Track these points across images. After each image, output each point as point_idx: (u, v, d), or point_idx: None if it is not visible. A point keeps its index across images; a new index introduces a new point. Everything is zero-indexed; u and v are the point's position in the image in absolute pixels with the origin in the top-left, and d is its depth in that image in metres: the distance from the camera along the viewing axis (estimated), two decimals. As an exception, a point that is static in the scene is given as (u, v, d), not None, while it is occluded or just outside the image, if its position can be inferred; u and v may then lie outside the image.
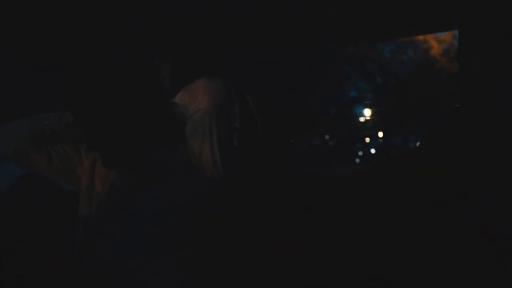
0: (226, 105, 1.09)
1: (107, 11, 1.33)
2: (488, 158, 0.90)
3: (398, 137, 15.22)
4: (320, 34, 1.58)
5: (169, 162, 1.07)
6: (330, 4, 1.31)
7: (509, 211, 0.85)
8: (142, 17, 1.38)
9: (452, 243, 0.88)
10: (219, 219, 1.05)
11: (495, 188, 0.87)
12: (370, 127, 15.53)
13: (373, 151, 15.62)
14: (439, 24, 1.47)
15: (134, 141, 1.03)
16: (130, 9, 1.32)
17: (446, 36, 12.11)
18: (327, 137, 15.25)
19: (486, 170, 0.89)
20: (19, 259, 1.41)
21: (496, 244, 0.85)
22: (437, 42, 12.48)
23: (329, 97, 14.21)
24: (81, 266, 1.05)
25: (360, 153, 15.39)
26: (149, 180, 1.05)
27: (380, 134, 15.80)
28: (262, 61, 1.79)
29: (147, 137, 1.05)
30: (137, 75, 1.03)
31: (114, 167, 1.05)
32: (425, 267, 0.90)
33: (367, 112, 15.32)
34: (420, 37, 12.48)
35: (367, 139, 16.17)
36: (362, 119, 15.80)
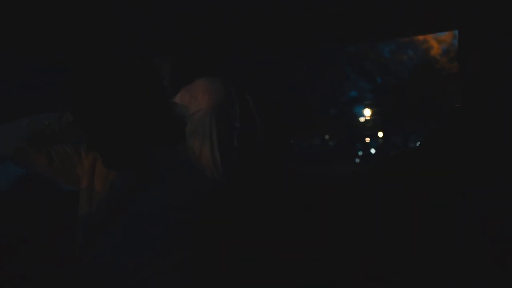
0: (226, 105, 1.08)
1: (107, 11, 1.33)
2: (488, 158, 0.90)
3: (398, 137, 15.23)
4: (320, 34, 1.58)
5: (169, 162, 1.07)
6: (330, 4, 1.31)
7: (509, 211, 0.85)
8: (142, 17, 1.38)
9: (452, 243, 0.88)
10: (219, 219, 1.05)
11: (495, 188, 0.87)
12: (370, 127, 15.55)
13: (373, 151, 15.64)
14: (439, 24, 1.47)
15: (134, 141, 1.03)
16: (130, 9, 1.32)
17: (446, 36, 12.16)
18: (327, 137, 15.27)
19: (486, 170, 0.89)
20: (19, 259, 1.41)
21: (496, 244, 0.85)
22: (437, 42, 12.53)
23: (329, 97, 14.23)
24: (81, 266, 1.05)
25: (360, 153, 15.40)
26: (149, 180, 1.05)
27: (380, 134, 15.83)
28: (262, 61, 1.79)
29: (147, 137, 1.05)
30: (137, 75, 1.03)
31: (114, 167, 1.05)
32: (425, 267, 0.90)
33: (367, 112, 15.34)
34: (420, 37, 12.53)
35: (367, 139, 16.20)
36: (362, 119, 15.81)
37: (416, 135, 13.69)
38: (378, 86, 14.48)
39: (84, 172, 1.13)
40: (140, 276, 0.98)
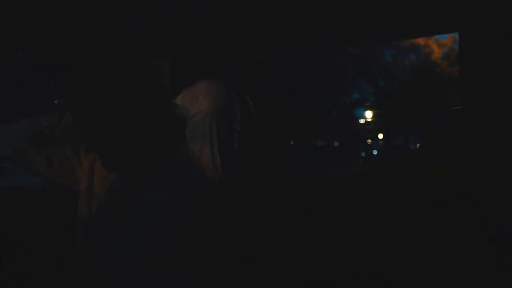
0: (227, 107, 1.09)
1: (107, 11, 1.33)
2: (488, 159, 0.90)
3: (398, 139, 15.31)
4: (320, 34, 1.58)
5: (169, 162, 1.06)
6: (330, 4, 1.31)
7: (509, 211, 0.85)
8: (142, 17, 1.38)
9: (452, 243, 0.88)
10: (219, 219, 1.05)
11: (495, 188, 0.87)
12: (371, 128, 15.68)
13: (375, 152, 15.77)
14: (440, 26, 1.46)
15: (134, 141, 1.03)
16: (130, 9, 1.32)
17: (447, 40, 12.40)
18: (328, 139, 15.40)
19: (486, 170, 0.89)
20: (19, 259, 1.41)
21: (496, 244, 0.85)
22: (438, 47, 12.75)
23: (331, 98, 14.30)
24: (81, 266, 1.05)
25: (363, 154, 15.49)
26: (149, 180, 1.05)
27: (380, 136, 15.96)
28: (262, 61, 1.79)
29: (147, 137, 1.05)
30: (137, 75, 1.03)
31: (114, 168, 1.05)
32: (425, 267, 0.90)
33: (369, 114, 15.48)
34: (422, 42, 12.74)
35: (369, 141, 16.34)
36: (362, 121, 15.93)
37: (416, 135, 13.75)
38: (381, 89, 14.59)
39: (83, 173, 1.13)
40: (140, 276, 0.98)
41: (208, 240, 1.03)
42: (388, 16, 1.39)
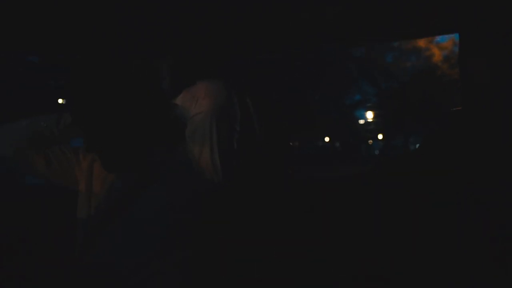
0: (227, 108, 1.09)
1: (107, 11, 1.33)
2: (488, 159, 0.90)
3: (398, 139, 15.43)
4: (320, 34, 1.58)
5: (169, 162, 1.06)
6: (330, 4, 1.31)
7: (509, 211, 0.85)
8: (142, 17, 1.38)
9: (452, 243, 0.88)
10: (219, 219, 1.05)
11: (495, 188, 0.87)
12: (372, 129, 15.84)
13: (376, 152, 15.93)
14: (440, 26, 1.46)
15: (134, 141, 1.03)
16: (130, 9, 1.32)
17: (447, 43, 12.66)
18: (327, 139, 15.57)
19: (486, 170, 0.89)
20: (19, 259, 1.41)
21: (496, 244, 0.85)
22: (438, 49, 12.96)
23: (331, 99, 14.41)
24: (81, 266, 1.05)
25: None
26: (149, 180, 1.05)
27: (380, 137, 16.13)
28: (262, 61, 1.79)
29: (147, 137, 1.05)
30: (137, 75, 1.03)
31: (114, 168, 1.05)
32: (425, 267, 0.90)
33: (370, 115, 15.65)
34: (423, 44, 13.03)
35: (370, 141, 16.52)
36: (362, 121, 16.09)
37: (416, 135, 13.81)
38: (382, 90, 14.73)
39: (82, 174, 1.13)
40: (140, 276, 0.98)
41: (208, 240, 1.03)
42: (388, 16, 1.39)
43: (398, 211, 0.96)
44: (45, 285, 1.31)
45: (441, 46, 12.90)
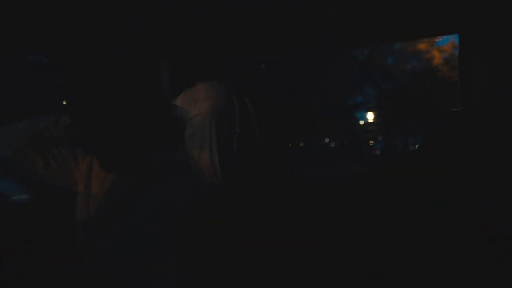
0: (227, 110, 1.09)
1: (107, 11, 1.33)
2: (488, 159, 0.90)
3: (398, 139, 15.57)
4: (320, 34, 1.58)
5: (169, 162, 1.06)
6: (330, 4, 1.31)
7: (509, 211, 0.85)
8: (142, 17, 1.38)
9: (452, 243, 0.88)
10: (219, 219, 1.05)
11: (495, 188, 0.87)
12: (373, 129, 16.05)
13: (378, 152, 16.13)
14: (440, 26, 1.46)
15: (134, 141, 1.03)
16: (130, 9, 1.32)
17: (447, 46, 12.76)
18: (327, 139, 15.78)
19: (486, 170, 0.89)
20: (19, 259, 1.41)
21: (496, 244, 0.85)
22: (438, 52, 13.20)
23: (332, 99, 14.55)
24: (81, 266, 1.05)
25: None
26: (149, 180, 1.05)
27: (379, 137, 16.33)
28: (262, 61, 1.79)
29: (147, 137, 1.05)
30: (137, 75, 1.03)
31: (113, 169, 1.05)
32: (425, 267, 0.90)
33: (371, 116, 15.87)
34: (423, 47, 13.13)
35: (371, 142, 16.75)
36: (361, 122, 16.29)
37: (416, 136, 13.89)
38: (383, 91, 14.93)
39: (80, 175, 1.13)
40: (140, 276, 0.98)
41: (208, 240, 1.03)
42: (388, 16, 1.39)
43: (398, 211, 0.96)
44: (45, 285, 1.31)
45: (441, 49, 13.17)
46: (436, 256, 0.89)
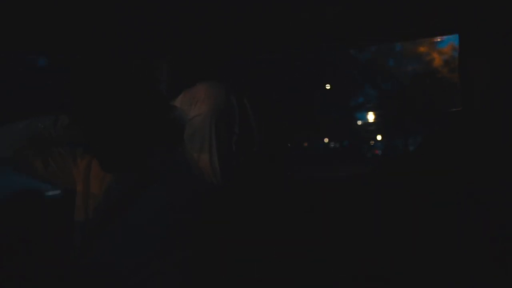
0: (226, 110, 1.09)
1: (107, 11, 1.33)
2: (488, 159, 0.90)
3: (398, 139, 15.69)
4: (320, 34, 1.58)
5: (169, 162, 1.07)
6: (330, 4, 1.31)
7: (509, 211, 0.85)
8: (142, 17, 1.38)
9: (452, 243, 0.88)
10: (219, 219, 1.06)
11: (495, 188, 0.87)
12: (373, 129, 16.22)
13: (380, 152, 16.27)
14: (440, 26, 1.46)
15: (134, 141, 1.03)
16: (130, 9, 1.32)
17: (447, 48, 13.19)
18: (326, 139, 15.95)
19: (486, 170, 0.89)
20: (19, 259, 1.41)
21: (496, 244, 0.85)
22: (438, 54, 13.49)
23: (339, 103, 14.70)
24: (81, 266, 1.05)
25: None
26: (149, 180, 1.05)
27: (379, 137, 16.50)
28: (262, 61, 1.79)
29: (147, 137, 1.05)
30: (137, 75, 1.03)
31: (113, 169, 1.05)
32: (425, 267, 0.90)
33: (371, 116, 16.03)
34: (424, 50, 13.51)
35: (372, 142, 16.91)
36: (360, 122, 16.45)
37: (416, 136, 13.96)
38: (384, 93, 15.09)
39: (79, 175, 1.13)
40: (140, 276, 0.98)
41: (208, 240, 1.03)
42: (388, 16, 1.39)
43: (398, 211, 0.96)
44: (45, 285, 1.31)
45: (441, 51, 13.54)
46: (436, 256, 0.89)
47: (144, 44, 1.55)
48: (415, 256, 0.92)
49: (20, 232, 1.48)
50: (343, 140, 16.43)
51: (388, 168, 1.10)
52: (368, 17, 1.40)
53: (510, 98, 0.89)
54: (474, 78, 0.94)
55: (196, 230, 1.02)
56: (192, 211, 1.03)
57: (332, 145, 16.27)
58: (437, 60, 13.59)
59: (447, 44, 13.10)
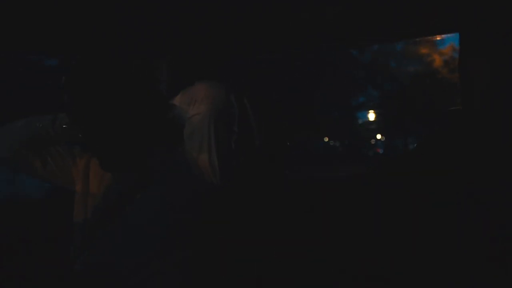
0: (225, 110, 1.09)
1: (107, 11, 1.33)
2: (488, 159, 0.90)
3: (398, 139, 15.76)
4: (320, 34, 1.58)
5: (169, 162, 1.07)
6: (330, 4, 1.31)
7: (509, 211, 0.85)
8: (142, 17, 1.38)
9: (452, 243, 0.88)
10: (219, 219, 1.06)
11: (495, 188, 0.87)
12: (374, 129, 16.32)
13: (381, 151, 16.39)
14: (440, 26, 1.46)
15: (134, 141, 1.03)
16: (130, 9, 1.32)
17: (447, 49, 13.31)
18: (326, 139, 16.05)
19: (486, 170, 0.89)
20: (19, 259, 1.41)
21: (496, 244, 0.85)
22: (438, 55, 13.57)
23: (333, 100, 14.72)
24: (81, 266, 1.05)
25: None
26: (149, 180, 1.05)
27: (378, 136, 16.60)
28: (262, 61, 1.79)
29: (147, 137, 1.05)
30: (137, 75, 1.03)
31: (113, 168, 1.05)
32: (425, 267, 0.90)
33: (372, 116, 16.15)
34: (424, 51, 13.65)
35: (372, 141, 17.03)
36: (367, 122, 16.55)
37: (416, 136, 13.99)
38: (385, 93, 15.19)
39: (78, 174, 1.13)
40: (140, 276, 0.98)
41: (208, 240, 1.03)
42: (388, 16, 1.39)
43: (398, 211, 0.96)
44: (45, 285, 1.31)
45: (441, 52, 13.66)
46: (436, 256, 0.89)
47: (144, 44, 1.55)
48: (415, 256, 0.92)
49: (20, 232, 1.48)
50: (342, 140, 16.52)
51: (388, 168, 1.10)
52: (368, 17, 1.40)
53: (510, 98, 0.89)
54: (474, 78, 0.94)
55: (196, 230, 1.02)
56: (192, 211, 1.03)
57: (330, 144, 16.35)
58: (438, 61, 13.75)
59: (447, 45, 13.27)
